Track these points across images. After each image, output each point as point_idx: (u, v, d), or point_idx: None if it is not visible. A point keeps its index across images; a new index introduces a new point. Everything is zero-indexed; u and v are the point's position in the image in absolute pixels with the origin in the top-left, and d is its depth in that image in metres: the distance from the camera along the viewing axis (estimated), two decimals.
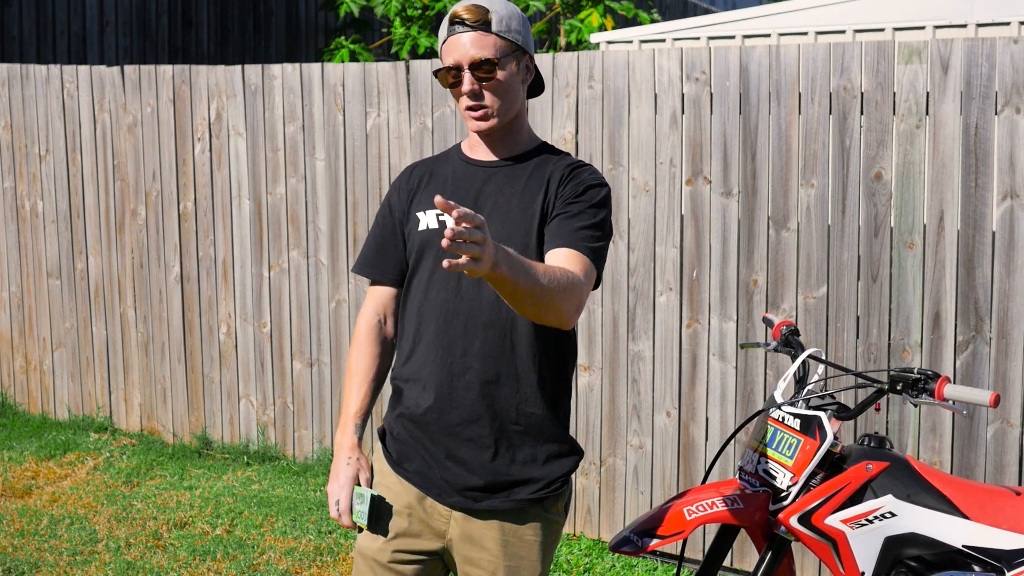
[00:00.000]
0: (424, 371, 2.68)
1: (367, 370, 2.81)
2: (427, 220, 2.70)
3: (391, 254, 2.78)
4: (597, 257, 2.58)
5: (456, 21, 2.61)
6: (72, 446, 6.39)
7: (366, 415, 2.80)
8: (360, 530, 2.75)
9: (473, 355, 2.62)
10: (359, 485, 2.73)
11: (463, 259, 2.09)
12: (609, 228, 2.65)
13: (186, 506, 5.53)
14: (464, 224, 2.07)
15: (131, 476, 5.95)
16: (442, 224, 2.66)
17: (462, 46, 2.60)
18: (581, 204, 2.60)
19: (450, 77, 2.63)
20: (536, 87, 2.81)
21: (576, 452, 2.76)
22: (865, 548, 3.07)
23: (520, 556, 2.68)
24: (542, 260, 2.59)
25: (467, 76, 2.60)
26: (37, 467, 6.10)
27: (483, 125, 2.64)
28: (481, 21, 2.59)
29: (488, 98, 2.61)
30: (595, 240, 2.58)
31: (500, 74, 2.60)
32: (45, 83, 6.73)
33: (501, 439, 2.64)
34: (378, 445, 2.84)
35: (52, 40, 9.68)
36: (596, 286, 2.63)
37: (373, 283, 2.83)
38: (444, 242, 2.05)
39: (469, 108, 2.63)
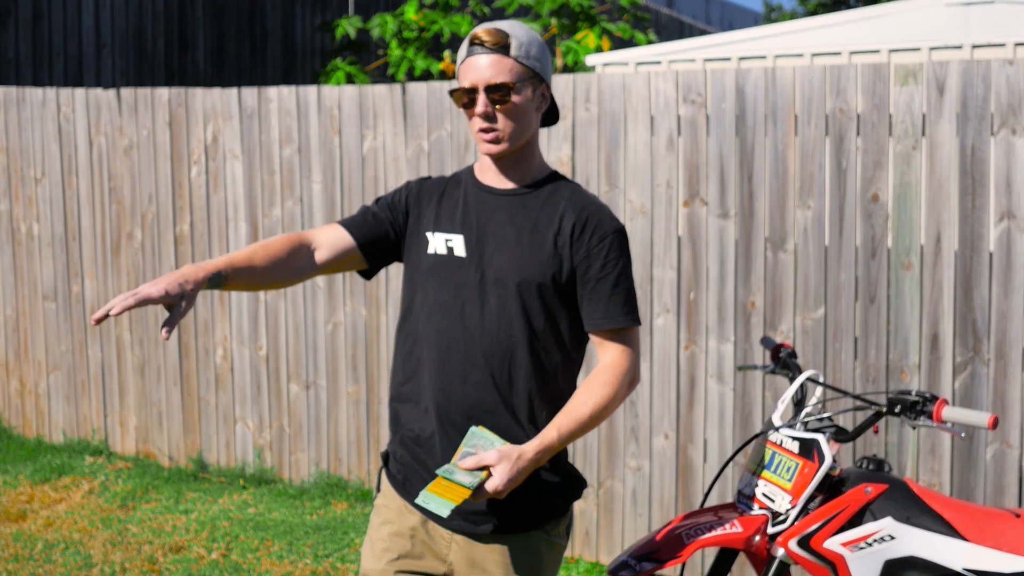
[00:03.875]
0: (424, 396, 2.68)
1: (259, 247, 2.63)
2: (435, 244, 2.70)
3: (373, 227, 2.76)
4: (636, 306, 2.70)
5: (476, 42, 2.62)
6: (67, 470, 6.36)
7: (228, 269, 2.53)
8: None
9: (472, 384, 2.62)
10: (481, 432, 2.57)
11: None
12: (631, 263, 2.73)
13: (182, 530, 5.50)
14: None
15: (126, 500, 5.93)
16: (450, 250, 2.68)
17: (479, 68, 2.60)
18: (613, 263, 2.65)
19: (465, 98, 2.63)
20: (551, 116, 2.82)
21: (578, 482, 2.78)
22: (864, 571, 3.06)
23: None
24: (548, 295, 2.64)
25: (482, 98, 2.60)
26: (32, 491, 6.08)
27: (494, 148, 2.64)
28: (500, 45, 2.60)
29: (501, 121, 2.62)
30: (632, 295, 2.69)
31: (515, 98, 2.60)
32: (41, 106, 6.73)
33: None
34: (382, 468, 2.84)
35: (48, 63, 9.69)
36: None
37: (341, 226, 2.76)
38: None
39: (481, 130, 2.63)
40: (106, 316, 2.31)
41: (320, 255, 2.71)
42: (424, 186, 2.80)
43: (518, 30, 2.63)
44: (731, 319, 4.74)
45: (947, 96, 4.30)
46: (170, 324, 2.37)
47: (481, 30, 2.62)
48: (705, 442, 4.83)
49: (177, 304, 2.40)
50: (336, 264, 2.73)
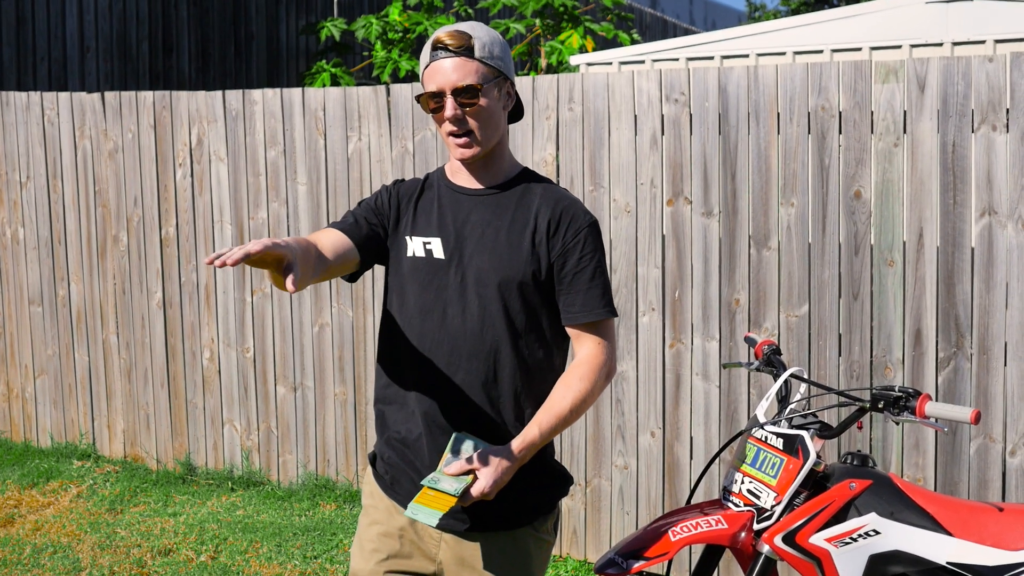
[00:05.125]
0: (410, 398, 2.69)
1: (300, 239, 2.52)
2: (414, 247, 2.70)
3: (368, 230, 2.72)
4: (612, 298, 2.72)
5: (439, 47, 2.61)
6: (55, 474, 6.35)
7: (291, 246, 2.35)
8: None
9: (456, 385, 2.63)
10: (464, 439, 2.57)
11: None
12: (605, 256, 2.76)
13: (170, 533, 5.50)
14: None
15: (115, 503, 5.92)
16: (429, 253, 2.68)
17: (445, 72, 2.60)
18: (589, 257, 2.67)
19: (432, 103, 2.63)
20: (516, 113, 2.82)
21: (564, 479, 2.79)
22: (850, 566, 3.07)
23: None
24: (528, 293, 2.65)
25: (450, 102, 2.60)
26: (20, 495, 6.07)
27: (467, 152, 2.64)
28: (464, 47, 2.60)
29: (471, 124, 2.62)
30: (608, 288, 2.70)
31: (483, 100, 2.61)
32: (25, 110, 6.72)
33: None
34: (369, 470, 2.84)
35: (32, 67, 9.67)
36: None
37: (336, 229, 2.70)
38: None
39: (452, 134, 2.63)
40: (223, 263, 2.15)
41: (325, 258, 2.61)
42: (402, 189, 2.80)
43: (479, 31, 2.64)
44: (716, 317, 4.76)
45: (928, 93, 4.33)
46: (296, 275, 2.25)
47: (443, 33, 2.61)
48: (691, 439, 4.85)
49: (294, 261, 2.28)
50: (337, 268, 2.64)
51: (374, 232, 2.74)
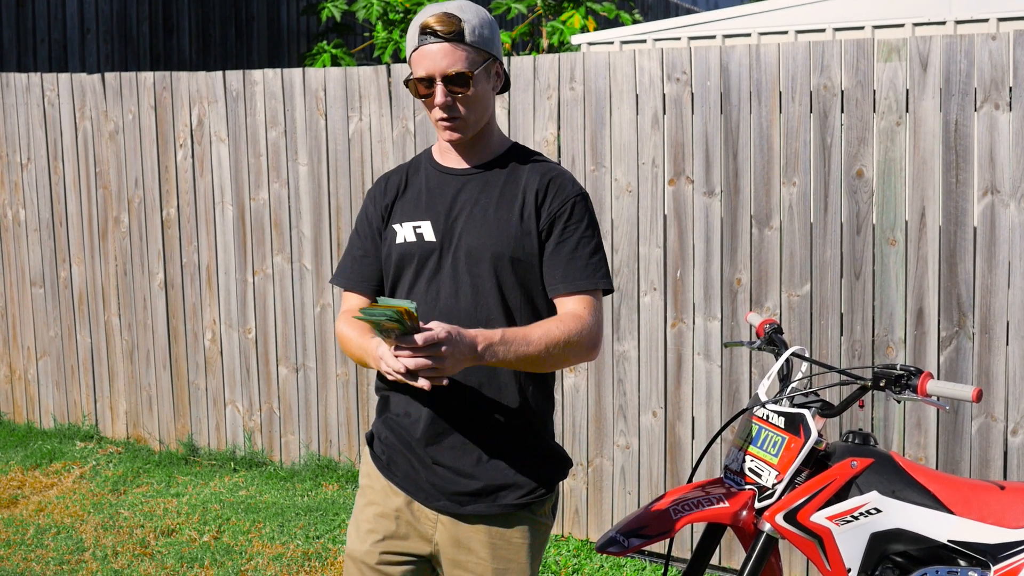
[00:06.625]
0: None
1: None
2: (404, 233, 2.69)
3: (369, 266, 2.77)
4: (602, 274, 2.64)
5: (428, 31, 2.56)
6: (58, 455, 6.36)
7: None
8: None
9: None
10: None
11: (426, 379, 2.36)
12: (597, 228, 2.69)
13: (173, 513, 5.51)
14: (420, 356, 2.32)
15: (118, 484, 5.93)
16: (419, 236, 2.67)
17: (434, 58, 2.55)
18: (573, 227, 2.62)
19: (422, 88, 2.60)
20: (503, 86, 2.79)
21: (563, 461, 2.78)
22: (851, 545, 3.08)
23: (508, 559, 2.69)
24: (522, 268, 2.63)
25: (440, 89, 2.56)
26: (23, 476, 6.08)
27: (456, 136, 2.63)
28: (454, 32, 2.55)
29: (461, 110, 2.59)
30: (596, 262, 2.63)
31: (473, 88, 2.58)
32: (26, 91, 6.71)
33: (486, 445, 2.64)
34: (366, 450, 2.84)
35: (33, 48, 9.65)
36: (608, 290, 2.68)
37: (348, 290, 2.80)
38: (395, 377, 2.36)
39: (442, 119, 2.61)
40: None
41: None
42: (388, 184, 2.79)
43: (468, 13, 2.58)
44: (717, 296, 4.76)
45: (930, 72, 4.32)
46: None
47: (432, 18, 2.55)
48: (693, 419, 4.86)
49: None
50: None
51: (376, 258, 2.75)
